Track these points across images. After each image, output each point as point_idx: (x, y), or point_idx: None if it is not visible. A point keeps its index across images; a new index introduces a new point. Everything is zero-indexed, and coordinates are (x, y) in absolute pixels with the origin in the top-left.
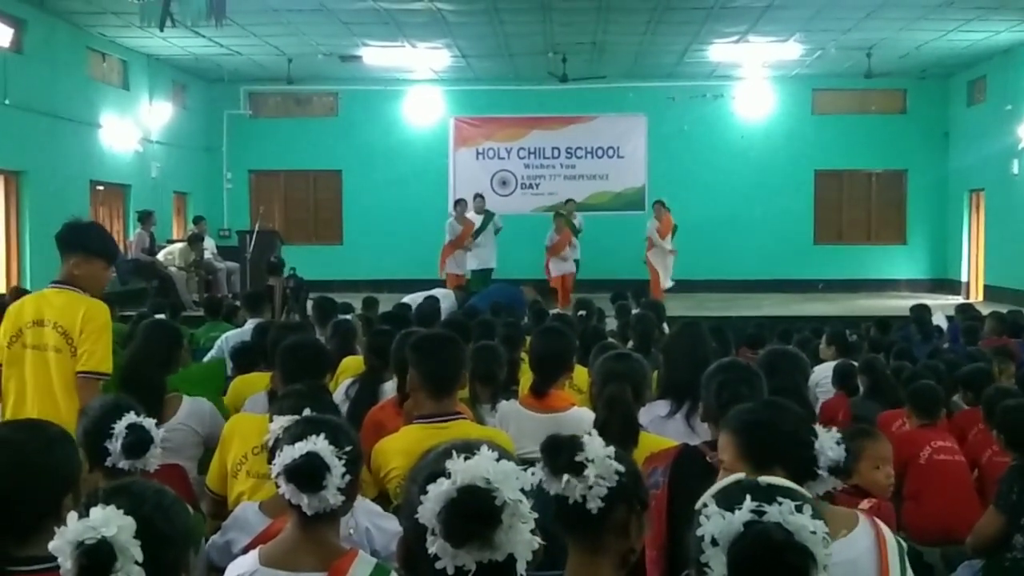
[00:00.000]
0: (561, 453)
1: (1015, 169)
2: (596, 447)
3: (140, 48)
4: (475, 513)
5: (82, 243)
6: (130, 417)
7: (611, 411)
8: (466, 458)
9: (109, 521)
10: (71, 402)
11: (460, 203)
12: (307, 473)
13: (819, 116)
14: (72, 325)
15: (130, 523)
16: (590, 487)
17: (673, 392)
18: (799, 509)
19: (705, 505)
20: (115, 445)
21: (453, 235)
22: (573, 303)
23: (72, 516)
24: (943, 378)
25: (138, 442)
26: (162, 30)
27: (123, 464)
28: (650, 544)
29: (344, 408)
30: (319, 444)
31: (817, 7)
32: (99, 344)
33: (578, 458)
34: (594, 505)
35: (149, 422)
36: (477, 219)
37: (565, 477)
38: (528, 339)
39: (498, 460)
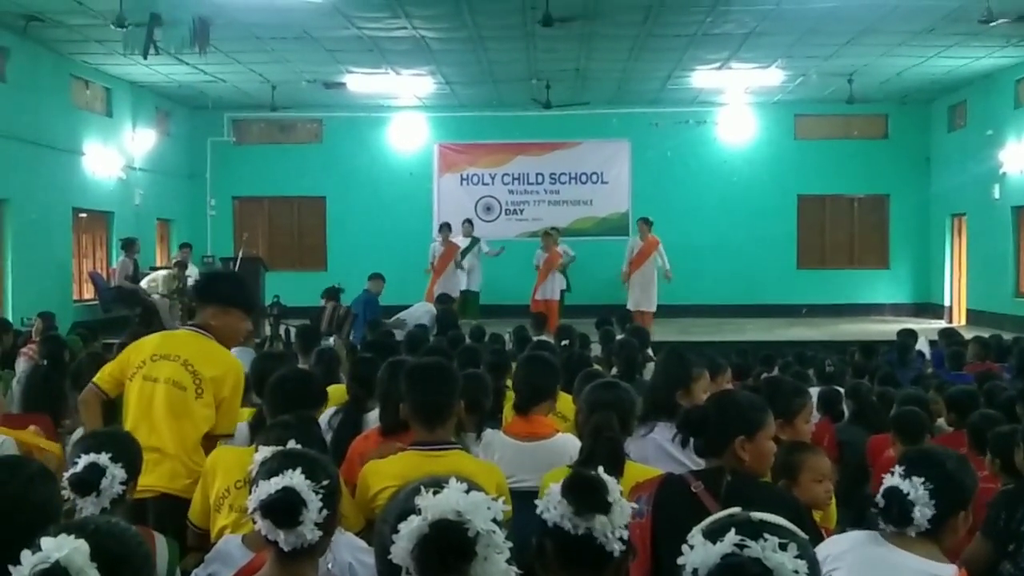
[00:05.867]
0: (591, 492)
1: (996, 193)
2: (615, 487)
3: (123, 75)
4: (449, 546)
5: (219, 293)
6: (99, 457)
7: (597, 440)
8: (435, 493)
9: (61, 546)
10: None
11: (444, 227)
12: (283, 508)
13: (801, 141)
14: (202, 369)
15: (83, 545)
16: (614, 529)
17: (654, 415)
18: (783, 547)
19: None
20: (68, 474)
21: (435, 258)
22: (556, 330)
23: (25, 554)
24: (928, 404)
25: (82, 482)
26: (146, 57)
27: (66, 494)
28: (635, 573)
29: (327, 438)
30: (295, 479)
31: (798, 33)
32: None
33: (610, 498)
34: (616, 547)
35: (115, 471)
36: (464, 243)
37: (599, 517)
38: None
39: (467, 492)
